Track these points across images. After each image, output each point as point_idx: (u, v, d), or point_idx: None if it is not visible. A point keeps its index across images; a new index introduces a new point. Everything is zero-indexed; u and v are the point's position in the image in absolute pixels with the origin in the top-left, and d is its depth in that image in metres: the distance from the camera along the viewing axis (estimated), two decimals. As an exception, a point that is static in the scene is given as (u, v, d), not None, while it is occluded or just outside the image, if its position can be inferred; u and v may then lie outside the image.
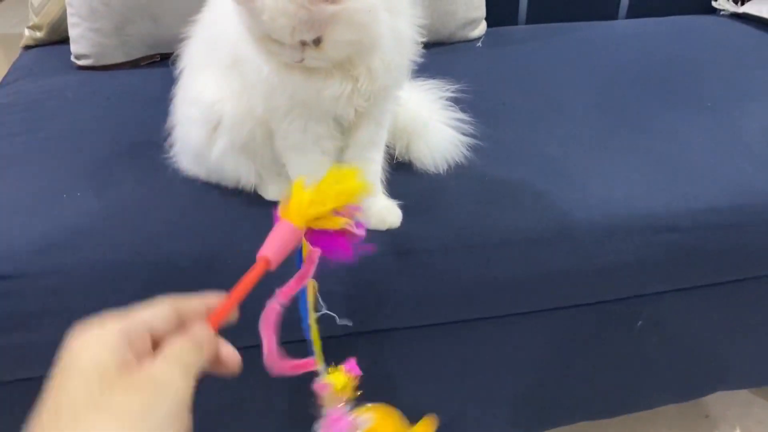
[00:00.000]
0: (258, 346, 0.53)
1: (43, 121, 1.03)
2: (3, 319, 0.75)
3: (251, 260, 0.78)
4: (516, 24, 1.49)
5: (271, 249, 0.51)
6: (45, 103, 1.10)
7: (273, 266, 0.51)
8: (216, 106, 0.78)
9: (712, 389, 1.07)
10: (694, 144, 0.99)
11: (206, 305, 0.48)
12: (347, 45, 0.67)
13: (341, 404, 0.58)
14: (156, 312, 0.45)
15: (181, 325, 0.45)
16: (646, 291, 0.92)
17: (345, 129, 0.79)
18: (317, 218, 0.53)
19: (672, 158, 0.95)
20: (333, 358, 0.87)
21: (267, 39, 0.66)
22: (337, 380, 0.59)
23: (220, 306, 0.48)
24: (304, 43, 0.65)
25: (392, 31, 0.70)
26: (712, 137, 1.00)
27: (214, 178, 0.86)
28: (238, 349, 0.49)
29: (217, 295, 0.49)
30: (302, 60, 0.66)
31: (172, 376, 0.40)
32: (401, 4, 0.71)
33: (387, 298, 0.82)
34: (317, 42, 0.65)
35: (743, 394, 1.30)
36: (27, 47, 1.33)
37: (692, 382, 1.05)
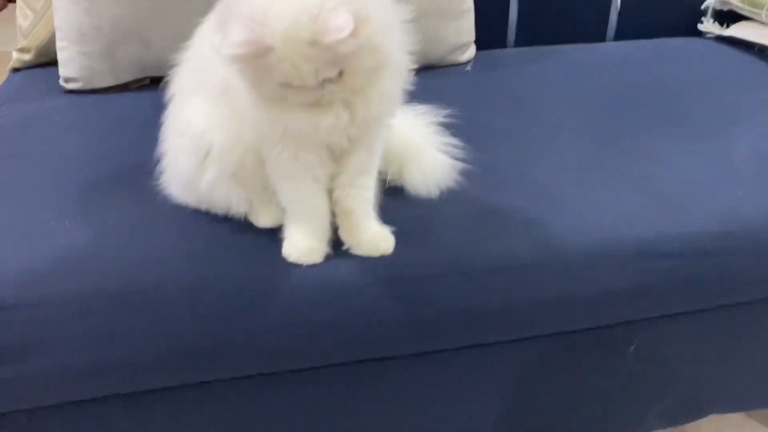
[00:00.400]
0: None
1: (31, 145, 1.02)
2: (-10, 351, 0.73)
3: (242, 287, 0.78)
4: (505, 47, 1.49)
5: None
6: (33, 127, 1.09)
7: None
8: (206, 136, 0.78)
9: (705, 413, 1.07)
10: (683, 168, 0.99)
11: None
12: (368, 71, 0.67)
13: None
14: None
15: None
16: (639, 316, 0.92)
17: (337, 156, 0.79)
18: None
19: (662, 183, 0.96)
20: (324, 386, 0.87)
21: (282, 87, 0.66)
22: None
23: None
24: (324, 82, 0.65)
25: (395, 57, 0.70)
26: (702, 161, 1.01)
27: (204, 206, 0.85)
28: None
29: None
30: (322, 98, 0.67)
31: None
32: (394, 32, 0.72)
33: (378, 326, 0.82)
34: (339, 75, 0.65)
35: (737, 416, 1.29)
36: (15, 69, 1.32)
37: (685, 407, 1.05)
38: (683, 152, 1.03)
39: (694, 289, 0.91)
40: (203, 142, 0.78)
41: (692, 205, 0.92)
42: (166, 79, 0.86)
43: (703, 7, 1.54)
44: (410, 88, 0.77)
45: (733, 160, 1.02)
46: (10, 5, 4.05)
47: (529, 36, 1.48)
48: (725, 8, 1.51)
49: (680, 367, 0.99)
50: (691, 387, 1.01)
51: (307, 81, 0.65)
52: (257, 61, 0.64)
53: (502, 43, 1.48)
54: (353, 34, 0.61)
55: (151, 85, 1.23)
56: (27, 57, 1.30)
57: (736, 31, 1.47)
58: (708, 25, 1.52)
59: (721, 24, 1.51)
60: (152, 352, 0.77)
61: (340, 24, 0.61)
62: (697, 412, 1.06)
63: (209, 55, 0.76)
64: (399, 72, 0.74)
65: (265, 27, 0.62)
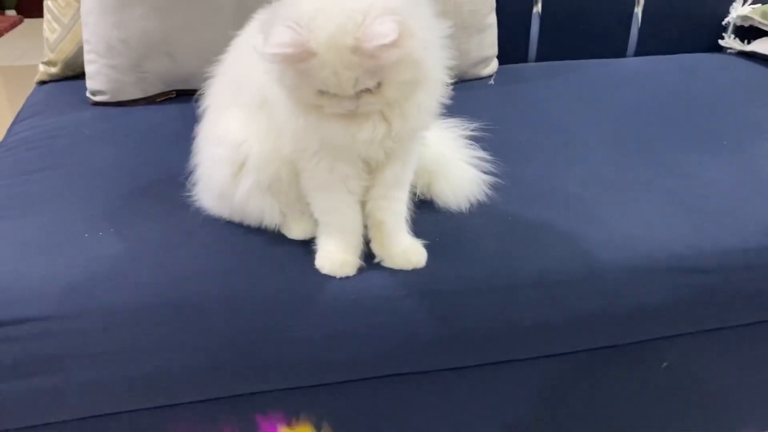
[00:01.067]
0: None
1: (61, 158, 1.02)
2: (22, 362, 0.73)
3: (275, 300, 0.77)
4: (526, 61, 1.50)
5: None
6: (61, 139, 1.09)
7: None
8: (242, 147, 0.78)
9: (736, 430, 1.05)
10: (714, 183, 0.99)
11: None
12: (406, 84, 0.68)
13: None
14: None
15: None
16: (672, 332, 0.91)
17: (372, 169, 0.79)
18: None
19: (693, 197, 0.95)
20: (355, 400, 0.86)
21: (318, 95, 0.66)
22: None
23: None
24: (361, 92, 0.65)
25: (434, 73, 0.71)
26: (732, 176, 1.01)
27: (237, 218, 0.85)
28: None
29: None
30: (357, 108, 0.67)
31: None
32: (434, 49, 0.72)
33: (410, 341, 0.81)
34: (376, 86, 0.65)
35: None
36: (41, 82, 1.33)
37: (715, 424, 1.04)
38: (712, 166, 1.03)
39: (727, 304, 0.90)
40: (239, 154, 0.78)
41: (726, 219, 0.91)
42: (200, 91, 0.86)
43: (724, 22, 1.54)
44: (446, 102, 0.77)
45: (762, 174, 1.02)
46: (26, 20, 4.10)
47: (550, 51, 1.49)
48: (746, 24, 1.51)
49: (712, 384, 0.98)
50: (724, 404, 1.00)
51: (345, 89, 0.65)
52: (298, 65, 0.64)
53: (523, 58, 1.49)
54: (396, 43, 0.62)
55: (177, 98, 1.24)
56: (53, 70, 1.31)
57: (758, 46, 1.47)
58: (729, 41, 1.52)
59: (743, 40, 1.51)
60: (186, 365, 0.77)
61: (383, 31, 0.61)
62: (727, 429, 1.05)
63: (246, 68, 0.77)
64: (436, 86, 0.74)
65: (310, 32, 0.63)
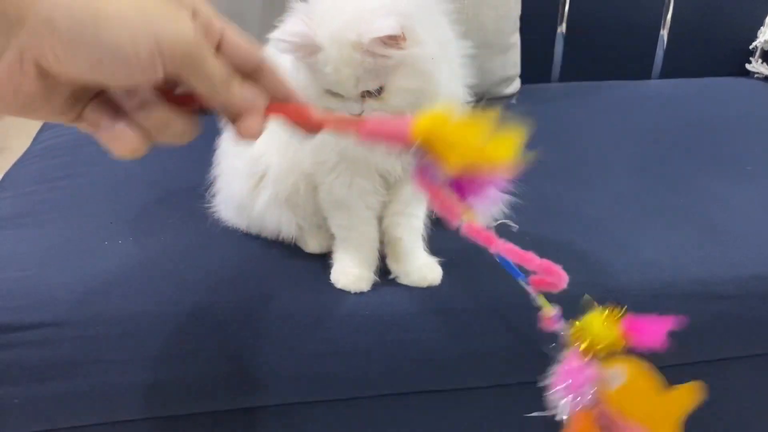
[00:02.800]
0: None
1: (85, 166, 1.04)
2: (40, 367, 0.74)
3: (289, 313, 0.78)
4: (549, 81, 1.50)
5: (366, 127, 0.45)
6: (86, 148, 1.11)
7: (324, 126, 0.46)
8: (262, 159, 0.79)
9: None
10: (737, 209, 0.97)
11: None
12: (409, 93, 0.67)
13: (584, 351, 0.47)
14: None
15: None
16: (688, 360, 0.89)
17: (390, 184, 0.79)
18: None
19: (715, 223, 0.94)
20: (366, 417, 0.85)
21: (325, 95, 0.66)
22: (595, 325, 0.48)
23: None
24: (364, 95, 0.65)
25: (447, 90, 0.70)
26: (755, 202, 0.99)
27: (254, 229, 0.86)
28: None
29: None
30: (362, 112, 0.67)
31: None
32: (455, 66, 0.72)
33: (423, 359, 0.81)
34: (379, 91, 0.65)
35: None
36: (69, 92, 1.36)
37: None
38: (737, 192, 1.02)
39: (748, 333, 0.88)
40: (259, 166, 0.79)
41: (748, 246, 0.89)
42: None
43: (751, 47, 1.52)
44: (466, 119, 0.77)
45: (787, 201, 1.00)
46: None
47: (573, 71, 1.48)
48: (774, 49, 1.50)
49: (731, 414, 0.96)
50: (743, 434, 0.98)
51: (347, 89, 0.65)
52: (306, 60, 0.65)
53: (546, 78, 1.49)
54: (395, 40, 0.62)
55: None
56: (81, 80, 1.34)
57: (786, 71, 1.46)
58: (756, 65, 1.51)
59: (770, 65, 1.50)
60: (198, 375, 0.77)
61: (382, 25, 0.61)
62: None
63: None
64: (455, 103, 0.74)
65: (318, 26, 0.64)
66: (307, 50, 0.64)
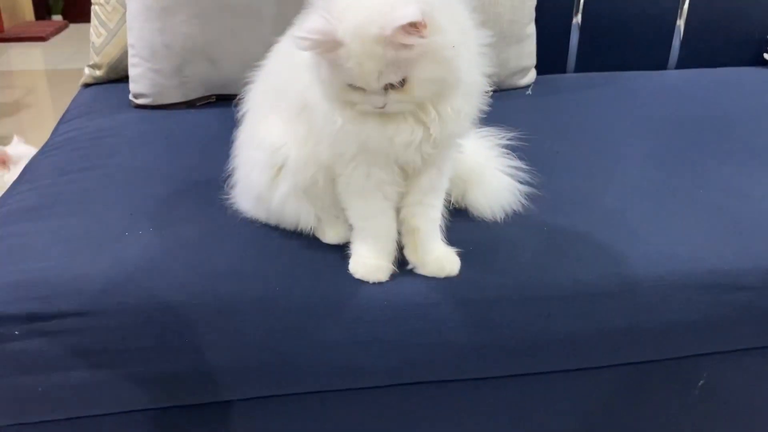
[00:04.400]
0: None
1: (104, 158, 1.05)
2: (63, 356, 0.75)
3: (308, 303, 0.78)
4: (565, 72, 1.49)
5: None
6: (105, 140, 1.12)
7: None
8: (281, 150, 0.79)
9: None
10: (755, 198, 0.97)
11: None
12: (432, 83, 0.67)
13: None
14: None
15: None
16: (709, 350, 0.89)
17: (408, 175, 0.79)
18: None
19: (734, 213, 0.93)
20: (385, 406, 0.86)
21: (346, 89, 0.67)
22: None
23: None
24: (387, 88, 0.66)
25: (467, 78, 0.70)
26: (774, 192, 0.98)
27: (273, 221, 0.86)
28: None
29: None
30: (384, 105, 0.67)
31: None
32: (474, 55, 0.72)
33: (441, 348, 0.81)
34: (402, 83, 0.65)
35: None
36: (86, 85, 1.37)
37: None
38: (754, 182, 1.01)
39: (766, 323, 0.88)
40: (278, 157, 0.79)
41: (765, 236, 0.89)
42: (240, 96, 0.87)
43: (768, 36, 1.51)
44: (485, 109, 0.77)
45: (807, 191, 0.99)
46: (72, 25, 4.22)
47: (589, 62, 1.48)
48: (793, 38, 1.48)
49: (750, 404, 0.95)
50: (762, 425, 0.97)
51: (370, 83, 0.66)
52: (328, 55, 0.65)
53: (562, 69, 1.48)
54: (418, 28, 0.62)
55: (217, 102, 1.26)
56: (98, 73, 1.35)
57: (804, 61, 1.44)
58: (774, 55, 1.49)
59: (788, 54, 1.48)
60: (219, 365, 0.78)
61: (404, 13, 0.61)
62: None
63: (287, 75, 0.78)
64: (474, 92, 0.75)
65: (340, 22, 0.64)
66: (329, 46, 0.64)
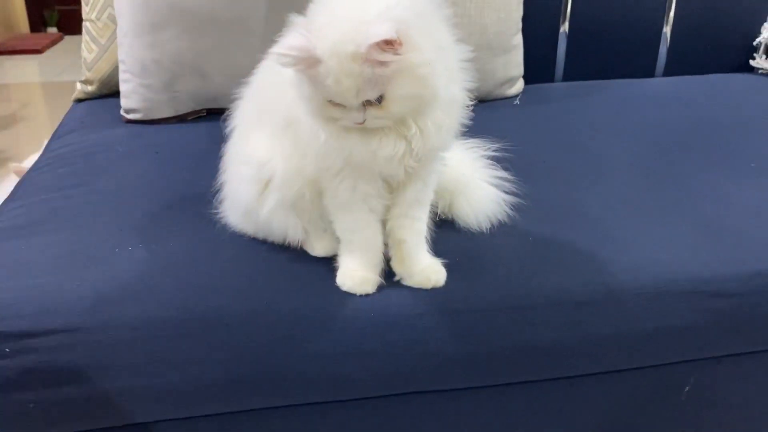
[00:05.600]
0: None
1: (95, 174, 1.06)
2: (53, 372, 0.75)
3: (296, 316, 0.79)
4: (553, 81, 1.50)
5: None
6: (96, 156, 1.13)
7: None
8: (268, 165, 0.80)
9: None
10: (739, 206, 0.98)
11: None
12: (409, 99, 0.69)
13: None
14: None
15: None
16: (694, 356, 0.90)
17: (393, 188, 0.80)
18: None
19: (717, 220, 0.94)
20: (373, 417, 0.87)
21: (327, 105, 0.68)
22: None
23: None
24: (365, 104, 0.67)
25: (446, 94, 0.72)
26: (758, 199, 1.00)
27: (261, 234, 0.87)
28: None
29: None
30: (364, 121, 0.68)
31: None
32: (455, 71, 0.73)
33: (428, 359, 0.82)
34: (380, 100, 0.67)
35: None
36: (78, 100, 1.39)
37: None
38: (738, 189, 1.02)
39: (750, 329, 0.89)
40: (265, 172, 0.81)
41: (749, 243, 0.90)
42: (228, 112, 0.89)
43: (755, 43, 1.53)
44: (467, 122, 0.78)
45: (790, 198, 1.00)
46: (67, 37, 4.24)
47: (577, 71, 1.49)
48: (777, 44, 1.50)
49: (737, 410, 0.96)
50: (745, 429, 0.98)
51: (348, 99, 0.67)
52: (308, 72, 0.66)
53: (550, 78, 1.50)
54: (393, 45, 0.63)
55: (207, 116, 1.28)
56: (90, 88, 1.36)
57: (789, 67, 1.46)
58: (760, 61, 1.51)
59: (774, 60, 1.50)
60: (208, 378, 0.78)
61: (378, 31, 0.62)
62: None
63: (273, 91, 0.79)
64: (455, 107, 0.76)
65: (318, 39, 0.65)
66: (308, 63, 0.66)
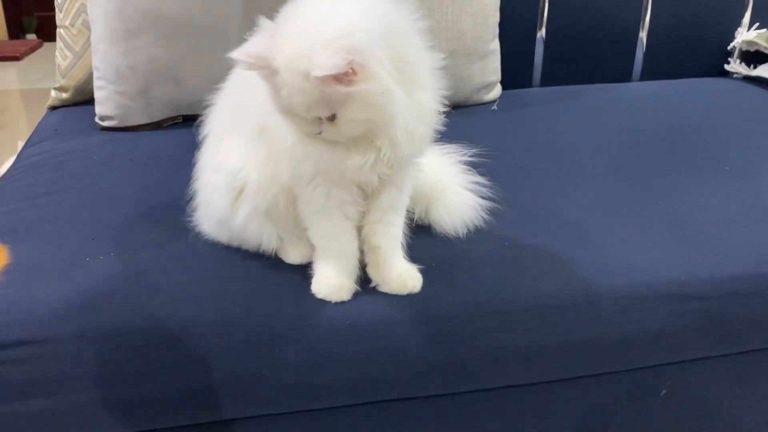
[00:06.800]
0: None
1: (69, 182, 1.05)
2: (22, 384, 0.74)
3: (271, 324, 0.78)
4: (531, 86, 1.51)
5: None
6: (69, 164, 1.11)
7: None
8: (240, 173, 0.80)
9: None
10: (714, 209, 0.99)
11: None
12: (360, 124, 0.68)
13: None
14: None
15: None
16: (670, 359, 0.90)
17: (367, 194, 0.80)
18: None
19: (693, 224, 0.95)
20: (350, 425, 0.86)
21: (289, 111, 0.67)
22: None
23: None
24: (320, 118, 0.67)
25: (416, 103, 0.71)
26: (732, 202, 1.00)
27: (235, 243, 0.87)
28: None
29: None
30: (320, 133, 0.68)
31: None
32: (426, 79, 0.73)
33: (405, 365, 0.81)
34: (332, 119, 0.66)
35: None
36: (53, 108, 1.37)
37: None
38: (713, 193, 1.03)
39: (725, 332, 0.89)
40: (238, 180, 0.80)
41: (724, 246, 0.91)
42: (201, 118, 0.88)
43: (729, 47, 1.54)
44: (441, 128, 0.78)
45: (763, 201, 1.01)
46: (46, 44, 4.20)
47: (554, 76, 1.50)
48: (752, 49, 1.52)
49: (714, 412, 0.97)
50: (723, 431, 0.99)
51: (300, 113, 0.66)
52: (270, 79, 0.66)
53: (527, 83, 1.50)
54: (342, 78, 0.62)
55: (183, 123, 1.26)
56: (64, 96, 1.35)
57: (763, 71, 1.48)
58: (735, 66, 1.53)
59: (748, 64, 1.52)
60: (182, 388, 0.77)
61: (327, 63, 0.61)
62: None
63: (246, 98, 0.79)
64: (428, 114, 0.75)
65: (277, 50, 0.65)
66: (265, 72, 0.65)
